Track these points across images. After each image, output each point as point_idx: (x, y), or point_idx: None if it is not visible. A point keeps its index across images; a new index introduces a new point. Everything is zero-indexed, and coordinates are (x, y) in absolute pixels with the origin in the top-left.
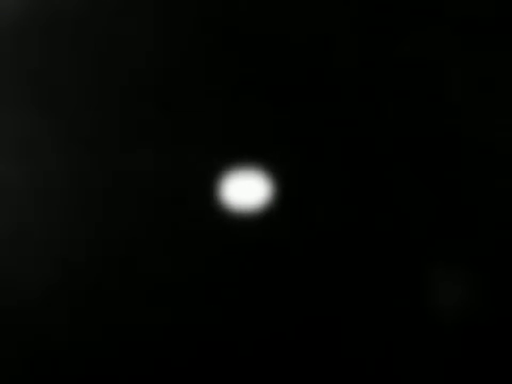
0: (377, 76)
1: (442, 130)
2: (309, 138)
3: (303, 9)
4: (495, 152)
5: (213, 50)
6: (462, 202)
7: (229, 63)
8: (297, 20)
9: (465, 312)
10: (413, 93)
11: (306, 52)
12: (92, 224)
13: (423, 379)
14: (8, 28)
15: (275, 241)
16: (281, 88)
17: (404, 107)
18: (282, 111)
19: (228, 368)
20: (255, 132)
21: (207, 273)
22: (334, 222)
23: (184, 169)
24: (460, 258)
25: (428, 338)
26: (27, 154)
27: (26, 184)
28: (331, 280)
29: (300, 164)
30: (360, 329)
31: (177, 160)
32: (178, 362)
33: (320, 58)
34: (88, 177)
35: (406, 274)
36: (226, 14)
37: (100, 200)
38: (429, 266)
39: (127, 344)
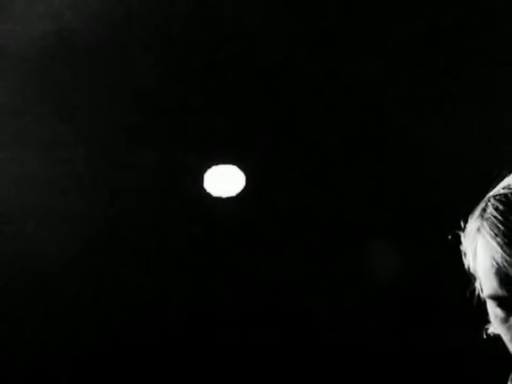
0: (327, 91)
1: (378, 132)
2: (271, 143)
3: (269, 40)
4: (423, 148)
5: (200, 77)
6: (395, 188)
7: (213, 86)
8: (264, 51)
9: (396, 276)
10: (354, 103)
11: (271, 78)
12: (102, 205)
13: (363, 331)
14: (37, 54)
15: (245, 218)
16: (251, 106)
17: (347, 115)
18: (252, 124)
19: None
20: (231, 139)
21: (194, 244)
22: (289, 204)
23: (176, 164)
24: (392, 232)
25: (366, 297)
26: (51, 150)
27: (50, 175)
28: (289, 247)
29: (264, 162)
30: (313, 288)
31: (170, 158)
32: (176, 315)
33: (282, 82)
34: (99, 169)
35: (348, 244)
36: (213, 48)
37: (109, 187)
38: (367, 238)
39: (130, 300)
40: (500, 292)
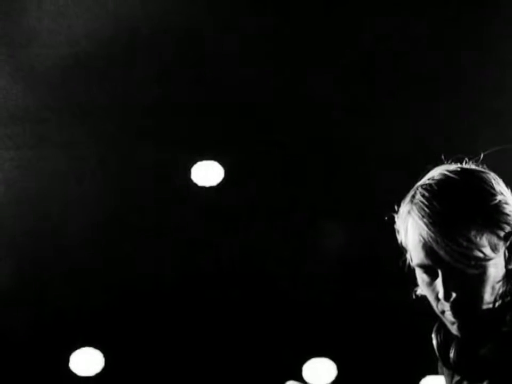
0: (288, 101)
1: (328, 134)
2: (245, 143)
3: (244, 59)
4: (365, 147)
5: (190, 89)
6: (342, 178)
7: (199, 97)
8: (240, 67)
9: (343, 248)
10: (309, 111)
11: (245, 91)
12: (110, 193)
13: (317, 291)
14: (58, 73)
15: (224, 203)
16: (229, 113)
17: (304, 120)
18: (230, 127)
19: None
20: (213, 139)
21: (183, 223)
22: (259, 191)
23: (169, 160)
24: (340, 214)
25: (319, 264)
26: (70, 149)
27: (69, 168)
28: (258, 225)
29: (239, 158)
30: (277, 258)
31: (165, 155)
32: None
33: (253, 94)
34: (108, 164)
35: (305, 223)
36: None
37: (115, 178)
38: (320, 218)
39: (132, 267)
40: (426, 261)
